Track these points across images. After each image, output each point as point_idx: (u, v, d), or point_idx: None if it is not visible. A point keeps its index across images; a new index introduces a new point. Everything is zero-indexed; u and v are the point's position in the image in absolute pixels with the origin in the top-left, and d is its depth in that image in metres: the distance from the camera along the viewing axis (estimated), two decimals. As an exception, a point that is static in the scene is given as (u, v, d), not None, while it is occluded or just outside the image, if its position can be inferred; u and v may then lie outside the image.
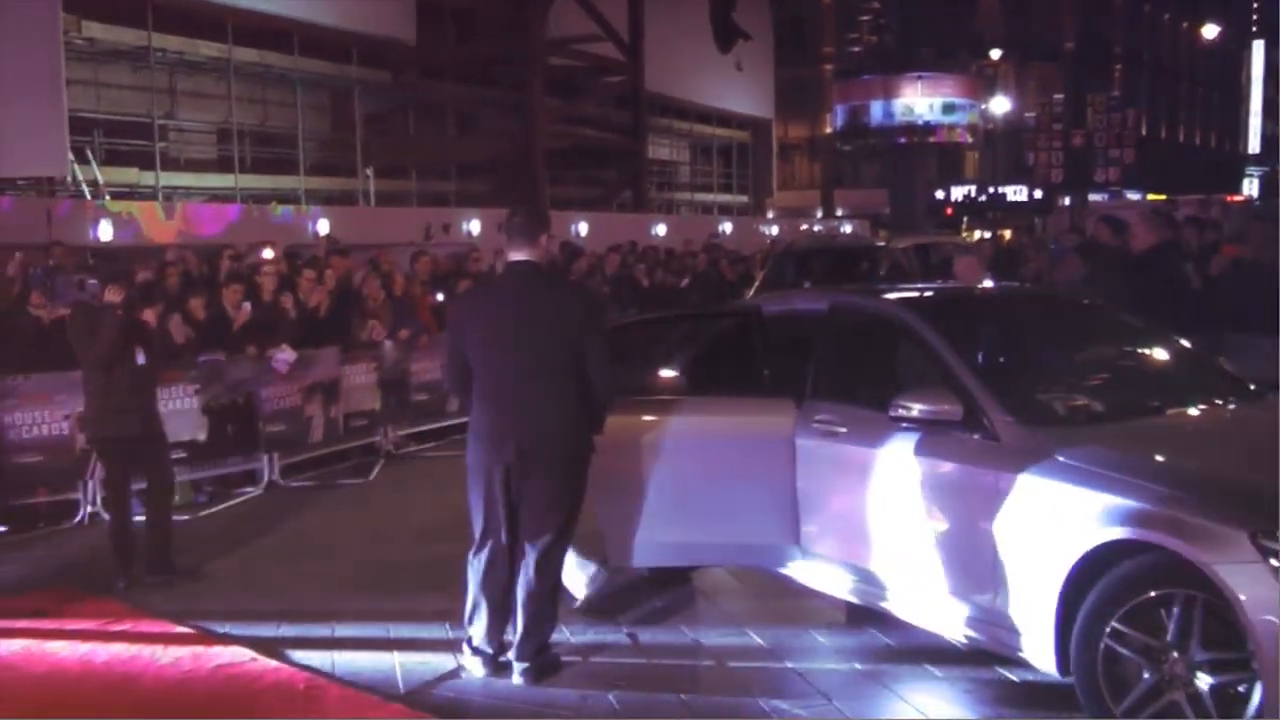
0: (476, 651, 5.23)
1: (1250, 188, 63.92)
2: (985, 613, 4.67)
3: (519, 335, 5.08)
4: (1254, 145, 69.16)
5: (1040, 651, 4.43)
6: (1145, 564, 4.08)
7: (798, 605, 5.97)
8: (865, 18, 51.23)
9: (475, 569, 5.20)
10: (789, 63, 44.21)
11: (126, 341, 6.84)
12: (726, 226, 31.13)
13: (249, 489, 9.40)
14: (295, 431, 9.86)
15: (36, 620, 6.15)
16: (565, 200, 28.71)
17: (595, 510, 5.61)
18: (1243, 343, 6.89)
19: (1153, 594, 4.06)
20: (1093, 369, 5.66)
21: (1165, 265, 7.92)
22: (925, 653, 5.21)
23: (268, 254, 13.27)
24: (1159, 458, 4.55)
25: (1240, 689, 3.89)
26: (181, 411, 8.82)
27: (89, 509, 8.37)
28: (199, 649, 5.67)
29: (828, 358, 5.73)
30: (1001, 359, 5.67)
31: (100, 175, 19.84)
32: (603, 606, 5.99)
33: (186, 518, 8.26)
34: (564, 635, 5.58)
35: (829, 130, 49.32)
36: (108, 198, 18.97)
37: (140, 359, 6.92)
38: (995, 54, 49.68)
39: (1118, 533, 4.12)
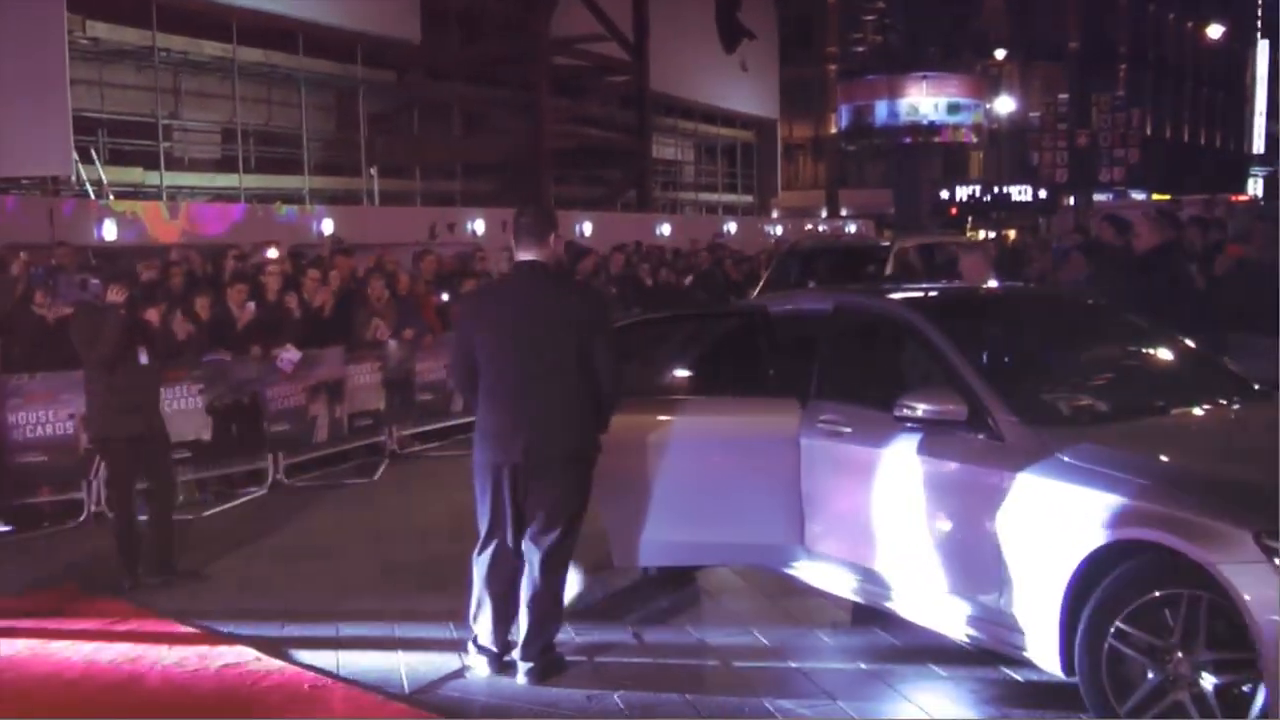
0: (481, 651, 5.23)
1: (1255, 188, 63.79)
2: (990, 613, 4.67)
3: (526, 335, 5.08)
4: (1258, 145, 68.97)
5: (1045, 651, 4.42)
6: (1150, 564, 4.08)
7: (802, 605, 5.97)
8: (870, 17, 51.10)
9: (480, 568, 5.20)
10: (794, 62, 44.13)
11: (129, 341, 6.84)
12: (731, 226, 31.11)
13: (254, 489, 9.41)
14: (300, 431, 9.87)
15: (41, 620, 6.15)
16: (570, 200, 28.68)
17: (599, 510, 5.61)
18: (1246, 342, 6.90)
19: (1157, 594, 4.06)
20: (1097, 369, 5.66)
21: (1169, 265, 7.89)
22: (930, 652, 5.21)
23: (272, 254, 13.25)
24: (1163, 458, 4.55)
25: (1245, 689, 3.89)
26: (186, 411, 8.84)
27: (93, 509, 8.38)
28: (203, 649, 5.67)
29: (832, 358, 5.74)
30: (1006, 359, 5.66)
31: (105, 175, 19.80)
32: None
33: (191, 517, 8.29)
34: (569, 635, 5.57)
35: (834, 130, 49.23)
36: (112, 197, 18.92)
37: (143, 359, 6.91)
38: (1000, 54, 49.58)
39: (1122, 533, 4.12)
